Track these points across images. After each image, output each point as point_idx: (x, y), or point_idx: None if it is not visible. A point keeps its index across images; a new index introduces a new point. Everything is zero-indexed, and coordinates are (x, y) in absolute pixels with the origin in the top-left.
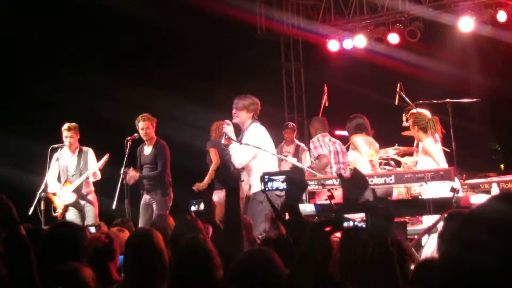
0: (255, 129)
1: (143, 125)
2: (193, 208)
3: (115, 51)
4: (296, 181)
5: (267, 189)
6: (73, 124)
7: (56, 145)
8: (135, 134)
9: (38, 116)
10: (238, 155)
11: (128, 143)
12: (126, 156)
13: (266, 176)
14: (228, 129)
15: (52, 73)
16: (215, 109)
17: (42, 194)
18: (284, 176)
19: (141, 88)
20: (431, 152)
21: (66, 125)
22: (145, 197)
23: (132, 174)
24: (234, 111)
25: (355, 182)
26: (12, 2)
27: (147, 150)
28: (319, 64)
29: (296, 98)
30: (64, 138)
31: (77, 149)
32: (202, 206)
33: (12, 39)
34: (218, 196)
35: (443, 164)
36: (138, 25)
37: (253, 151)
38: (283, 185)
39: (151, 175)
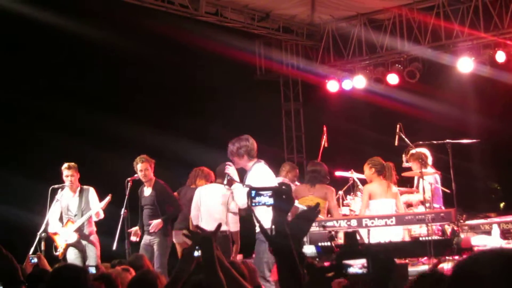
0: (257, 169)
1: (142, 167)
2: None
3: (113, 88)
4: (283, 196)
5: (254, 204)
6: (73, 163)
7: (56, 186)
8: (136, 175)
9: (37, 156)
10: (241, 196)
11: (129, 183)
12: (126, 197)
13: (252, 192)
14: (230, 170)
15: (49, 113)
16: (215, 149)
17: (43, 234)
18: (271, 192)
19: (139, 125)
20: None
21: (66, 165)
22: (146, 238)
23: (156, 223)
24: (230, 157)
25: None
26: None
27: (147, 191)
28: (318, 104)
29: (296, 138)
30: (64, 178)
31: (78, 188)
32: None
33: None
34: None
35: None
36: (138, 62)
37: None
38: (270, 200)
39: (171, 215)
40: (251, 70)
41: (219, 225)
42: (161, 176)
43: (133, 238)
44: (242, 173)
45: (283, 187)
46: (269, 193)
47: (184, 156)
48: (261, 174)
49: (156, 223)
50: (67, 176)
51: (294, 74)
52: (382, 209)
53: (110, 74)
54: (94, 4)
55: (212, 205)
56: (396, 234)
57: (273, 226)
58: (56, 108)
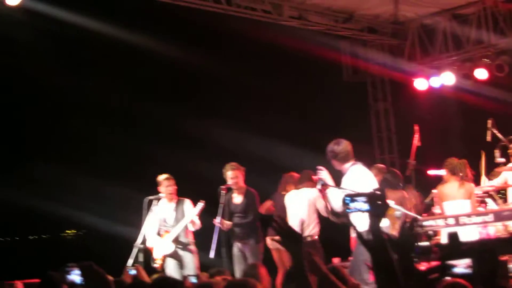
0: (353, 171)
1: (233, 175)
2: None
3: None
4: (378, 201)
5: (348, 210)
6: (164, 175)
7: (151, 197)
8: (229, 183)
9: (134, 169)
10: (335, 199)
11: (222, 192)
12: (221, 205)
13: (347, 198)
14: (323, 174)
15: (144, 126)
16: (307, 152)
17: (140, 246)
18: (366, 197)
19: (231, 130)
20: None
21: (164, 176)
22: (238, 246)
23: (226, 225)
24: (330, 159)
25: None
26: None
27: (237, 199)
28: (407, 103)
29: (386, 138)
30: (164, 188)
31: (175, 200)
32: None
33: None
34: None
35: None
36: (224, 68)
37: None
38: (365, 206)
39: (245, 222)
40: (338, 72)
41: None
42: (255, 182)
43: (218, 224)
44: (340, 176)
45: (378, 192)
46: (364, 198)
47: (275, 160)
48: (359, 176)
49: (227, 223)
50: (168, 186)
51: (381, 74)
52: (454, 210)
53: (204, 81)
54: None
55: (299, 210)
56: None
57: (369, 231)
58: (150, 117)
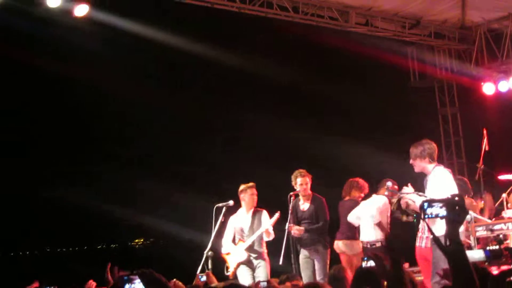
0: (438, 172)
1: (302, 181)
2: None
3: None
4: (456, 207)
5: (426, 216)
6: (250, 184)
7: (220, 204)
8: (298, 190)
9: (205, 177)
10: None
11: (291, 198)
12: (290, 211)
13: (425, 203)
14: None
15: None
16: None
17: (210, 253)
18: (444, 203)
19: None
20: None
21: (249, 184)
22: (304, 252)
23: (299, 230)
24: (411, 161)
25: None
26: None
27: (304, 205)
28: (475, 108)
29: (454, 143)
30: (248, 196)
31: (252, 210)
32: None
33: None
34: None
35: None
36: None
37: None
38: (443, 212)
39: (318, 228)
40: (405, 77)
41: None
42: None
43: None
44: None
45: (456, 198)
46: (442, 204)
47: (343, 164)
48: (442, 177)
49: (300, 228)
50: (251, 195)
51: (449, 79)
52: None
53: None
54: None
55: (370, 215)
56: None
57: (447, 236)
58: (231, 125)
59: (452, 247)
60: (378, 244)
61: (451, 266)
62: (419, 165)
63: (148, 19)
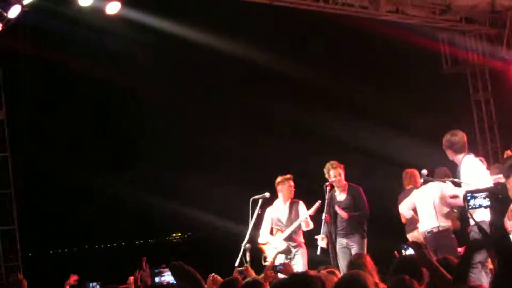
0: (469, 162)
1: (335, 173)
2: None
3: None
4: (500, 196)
5: (470, 207)
6: (288, 175)
7: (256, 197)
8: (332, 180)
9: (239, 170)
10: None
11: (327, 188)
12: (326, 201)
13: (468, 194)
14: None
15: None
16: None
17: (247, 245)
18: (487, 193)
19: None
20: None
21: (286, 176)
22: (342, 241)
23: (344, 212)
24: (445, 150)
25: None
26: None
27: (341, 196)
28: (508, 92)
29: (488, 129)
30: (286, 187)
31: (289, 201)
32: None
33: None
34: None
35: None
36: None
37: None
38: (486, 202)
39: (360, 216)
40: (437, 64)
41: None
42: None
43: (322, 244)
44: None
45: (499, 187)
46: (485, 194)
47: (385, 152)
48: (473, 166)
49: (343, 212)
50: (289, 186)
51: (481, 64)
52: None
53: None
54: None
55: (430, 204)
56: None
57: (492, 225)
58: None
59: (498, 235)
60: (436, 230)
61: (497, 254)
62: (451, 155)
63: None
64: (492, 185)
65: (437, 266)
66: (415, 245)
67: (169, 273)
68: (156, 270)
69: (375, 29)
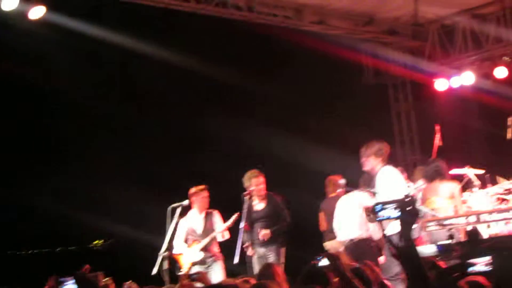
0: (385, 173)
1: (257, 182)
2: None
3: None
4: (408, 207)
5: (379, 218)
6: (202, 186)
7: (175, 205)
8: (252, 189)
9: (157, 175)
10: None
11: (245, 197)
12: (245, 210)
13: (378, 206)
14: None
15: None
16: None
17: (165, 253)
18: (396, 204)
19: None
20: None
21: (200, 187)
22: (259, 251)
23: (265, 232)
24: (363, 159)
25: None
26: None
27: (259, 205)
28: (428, 104)
29: (408, 139)
30: (200, 199)
31: (204, 211)
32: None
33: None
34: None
35: None
36: (248, 71)
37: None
38: (395, 213)
39: (281, 228)
40: (359, 74)
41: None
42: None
43: (249, 252)
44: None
45: (408, 199)
46: (394, 205)
47: (304, 162)
48: (391, 176)
49: (265, 233)
50: (203, 197)
51: (402, 75)
52: None
53: (225, 85)
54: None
55: (350, 213)
56: None
57: (400, 237)
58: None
59: (405, 247)
60: (355, 240)
61: (404, 265)
62: (372, 163)
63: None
64: (401, 197)
65: (350, 277)
66: (330, 256)
67: (73, 281)
68: (61, 279)
69: (296, 40)
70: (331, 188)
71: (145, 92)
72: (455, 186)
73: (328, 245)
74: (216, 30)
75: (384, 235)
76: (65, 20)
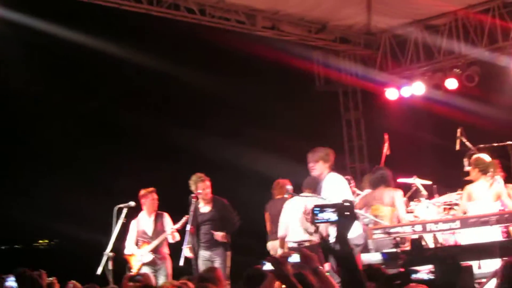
0: (333, 179)
1: (203, 186)
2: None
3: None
4: (346, 212)
5: (317, 221)
6: (150, 189)
7: (121, 205)
8: (199, 191)
9: (101, 175)
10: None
11: (193, 200)
12: (192, 213)
13: (316, 209)
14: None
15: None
16: (279, 160)
17: (110, 254)
18: (335, 208)
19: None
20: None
21: (149, 189)
22: (205, 254)
23: (219, 234)
24: (311, 164)
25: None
26: None
27: (205, 208)
28: (378, 113)
29: (357, 147)
30: (149, 201)
31: (154, 213)
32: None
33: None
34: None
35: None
36: (195, 76)
37: None
38: (333, 217)
39: (232, 230)
40: (310, 82)
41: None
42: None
43: (187, 254)
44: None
45: (347, 203)
46: (333, 209)
47: (248, 169)
48: (338, 182)
49: (221, 234)
50: (152, 200)
51: (353, 84)
52: (480, 211)
53: (171, 88)
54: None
55: (296, 216)
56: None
57: (337, 240)
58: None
59: (342, 251)
60: (306, 244)
61: (340, 269)
62: (320, 168)
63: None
64: (340, 202)
65: (293, 282)
66: (273, 260)
67: (13, 279)
68: (3, 276)
69: (248, 46)
70: (277, 191)
71: (93, 91)
72: (398, 194)
73: (270, 245)
74: (170, 33)
75: (321, 239)
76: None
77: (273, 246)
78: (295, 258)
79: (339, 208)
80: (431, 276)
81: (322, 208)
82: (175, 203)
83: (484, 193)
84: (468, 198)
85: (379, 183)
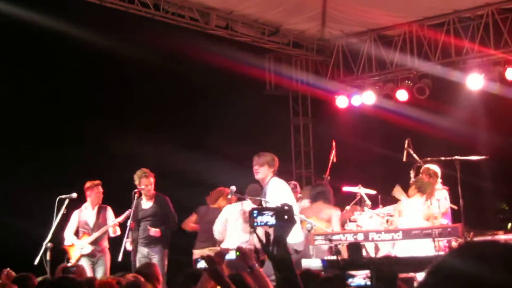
0: (277, 184)
1: (147, 182)
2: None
3: (121, 100)
4: (285, 216)
5: (255, 224)
6: (96, 181)
7: (63, 196)
8: (142, 187)
9: (44, 166)
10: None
11: (136, 195)
12: (133, 208)
13: (255, 211)
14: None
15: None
16: (226, 164)
17: (48, 244)
18: (273, 212)
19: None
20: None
21: (95, 182)
22: (143, 250)
23: (154, 230)
24: (256, 167)
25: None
26: None
27: (147, 204)
28: (327, 120)
29: (304, 153)
30: (94, 194)
31: (97, 206)
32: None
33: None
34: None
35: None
36: (146, 75)
37: None
38: (272, 220)
39: (170, 228)
40: (260, 85)
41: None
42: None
43: (129, 247)
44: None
45: (286, 207)
46: (271, 213)
47: (192, 173)
48: (280, 187)
49: (155, 230)
50: (97, 192)
51: (304, 89)
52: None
53: (120, 87)
54: (101, 15)
55: (240, 222)
56: (423, 247)
57: (275, 244)
58: (63, 119)
59: (279, 256)
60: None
61: (277, 274)
62: (264, 172)
63: None
64: (279, 205)
65: (228, 282)
66: (208, 259)
67: None
68: None
69: (199, 51)
70: (213, 200)
71: (45, 81)
72: (336, 214)
73: (197, 253)
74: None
75: (260, 242)
76: None
77: (202, 254)
78: (231, 255)
79: (278, 212)
80: (368, 282)
81: (261, 211)
82: (119, 197)
83: (414, 211)
84: (399, 214)
85: (318, 197)
